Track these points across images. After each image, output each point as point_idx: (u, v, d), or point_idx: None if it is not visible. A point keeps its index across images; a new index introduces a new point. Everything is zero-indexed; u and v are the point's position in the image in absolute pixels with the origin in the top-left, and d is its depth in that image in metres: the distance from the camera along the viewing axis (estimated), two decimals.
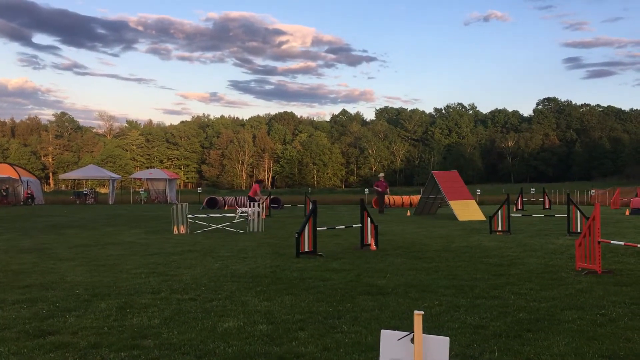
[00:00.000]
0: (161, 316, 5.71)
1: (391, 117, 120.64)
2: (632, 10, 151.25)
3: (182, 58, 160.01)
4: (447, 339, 2.02)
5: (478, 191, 40.12)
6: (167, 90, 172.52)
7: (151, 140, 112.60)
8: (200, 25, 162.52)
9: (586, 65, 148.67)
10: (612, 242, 9.04)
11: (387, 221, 20.02)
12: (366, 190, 42.53)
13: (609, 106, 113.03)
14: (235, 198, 34.90)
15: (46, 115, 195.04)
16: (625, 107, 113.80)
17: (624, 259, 9.62)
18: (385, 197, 28.85)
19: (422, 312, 1.97)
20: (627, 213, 25.10)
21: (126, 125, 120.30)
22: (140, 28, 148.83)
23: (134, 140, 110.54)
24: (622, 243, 9.17)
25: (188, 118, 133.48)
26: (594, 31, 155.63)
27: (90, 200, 41.43)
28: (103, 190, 66.90)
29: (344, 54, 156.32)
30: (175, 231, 15.41)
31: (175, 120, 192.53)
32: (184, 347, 4.66)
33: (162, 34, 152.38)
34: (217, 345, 4.69)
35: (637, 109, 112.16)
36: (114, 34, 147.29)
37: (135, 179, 50.89)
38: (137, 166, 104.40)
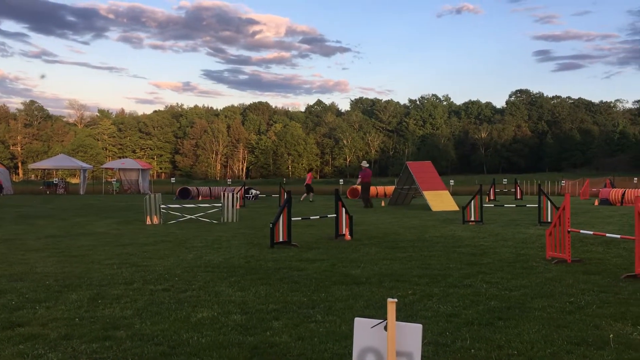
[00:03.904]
0: (134, 307, 5.65)
1: (366, 108, 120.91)
2: (600, 4, 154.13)
3: (155, 47, 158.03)
4: (419, 326, 2.03)
5: (451, 182, 40.47)
6: (140, 79, 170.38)
7: (123, 129, 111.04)
8: (172, 14, 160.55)
9: (556, 58, 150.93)
10: (581, 231, 9.21)
11: (362, 211, 20.11)
12: (341, 180, 42.58)
13: (579, 98, 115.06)
14: (210, 188, 34.64)
15: (14, 103, 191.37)
16: (595, 99, 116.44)
17: (593, 248, 9.83)
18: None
19: (395, 300, 1.97)
20: (596, 203, 25.64)
21: (97, 114, 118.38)
22: (111, 16, 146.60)
23: (106, 129, 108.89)
24: (591, 232, 9.36)
25: (161, 107, 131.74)
26: (563, 24, 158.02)
27: (60, 190, 40.73)
28: (74, 181, 65.79)
29: (318, 45, 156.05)
30: (148, 222, 15.25)
31: (148, 109, 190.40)
32: (157, 337, 4.62)
33: (133, 22, 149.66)
34: (190, 336, 4.66)
35: (606, 101, 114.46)
36: (84, 22, 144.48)
37: (107, 168, 50.19)
38: (109, 156, 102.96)
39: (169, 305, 5.71)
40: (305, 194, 29.96)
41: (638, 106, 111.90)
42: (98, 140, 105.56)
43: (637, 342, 4.42)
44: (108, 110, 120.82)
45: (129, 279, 7.10)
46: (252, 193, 30.80)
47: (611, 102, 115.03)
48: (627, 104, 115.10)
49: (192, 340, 4.55)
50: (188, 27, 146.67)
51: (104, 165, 52.36)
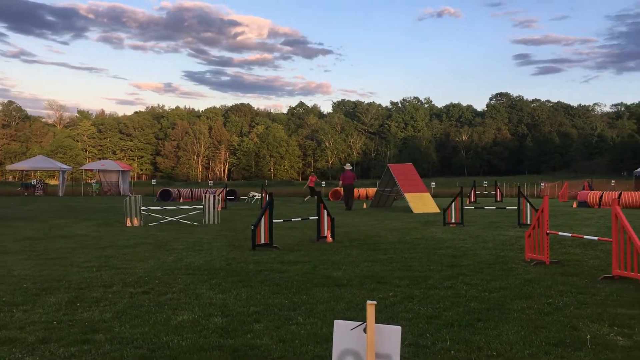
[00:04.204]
0: (113, 310, 5.59)
1: (348, 110, 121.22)
2: (578, 9, 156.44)
3: (135, 47, 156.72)
4: (399, 328, 2.04)
5: (433, 184, 40.80)
6: (120, 80, 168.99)
7: (103, 130, 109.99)
8: (153, 15, 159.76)
9: (536, 62, 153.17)
10: (559, 233, 9.33)
11: (344, 214, 20.14)
12: (323, 182, 42.62)
13: (558, 102, 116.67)
14: (191, 190, 34.44)
15: None
16: (574, 103, 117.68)
17: (571, 249, 9.96)
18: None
19: (375, 302, 1.98)
20: (575, 205, 25.98)
21: (77, 115, 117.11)
22: (91, 16, 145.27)
23: (86, 130, 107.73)
24: (569, 234, 9.48)
25: (142, 109, 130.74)
26: (542, 29, 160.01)
27: (39, 192, 40.19)
28: (53, 182, 64.96)
29: (300, 47, 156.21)
30: (128, 224, 15.11)
31: (128, 110, 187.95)
32: (137, 340, 4.58)
33: (114, 22, 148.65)
34: (170, 339, 4.63)
35: (584, 105, 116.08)
36: (63, 22, 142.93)
37: (86, 170, 49.63)
38: (88, 157, 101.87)
39: (148, 308, 5.66)
40: (309, 196, 31.00)
41: (615, 110, 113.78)
42: (77, 142, 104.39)
43: (613, 342, 4.49)
44: (88, 111, 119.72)
45: (109, 282, 7.03)
46: (250, 195, 30.20)
47: (589, 105, 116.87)
48: (604, 108, 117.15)
49: (172, 343, 4.52)
50: (169, 28, 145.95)
51: (84, 167, 51.76)
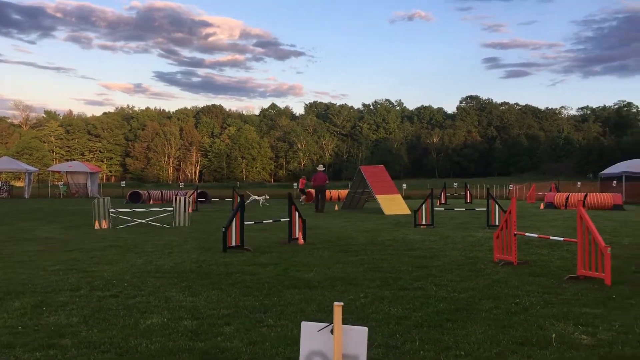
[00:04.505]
0: (80, 314, 5.50)
1: (320, 112, 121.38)
2: (545, 14, 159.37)
3: (104, 47, 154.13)
4: (365, 329, 2.06)
5: (404, 186, 41.14)
6: (89, 80, 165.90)
7: (71, 131, 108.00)
8: (123, 14, 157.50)
9: (504, 66, 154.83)
10: (526, 234, 9.50)
11: (315, 215, 20.16)
12: (295, 184, 42.56)
13: (527, 105, 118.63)
14: (161, 192, 34.06)
15: None
16: (541, 106, 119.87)
17: (538, 250, 10.15)
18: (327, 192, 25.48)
19: (342, 304, 1.99)
20: (542, 207, 26.48)
21: (44, 115, 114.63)
22: (59, 15, 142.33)
23: (53, 131, 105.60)
24: (536, 235, 9.66)
25: (111, 109, 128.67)
26: (511, 33, 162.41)
27: (4, 194, 39.25)
28: (18, 184, 63.42)
29: (272, 48, 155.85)
30: (97, 226, 14.87)
31: (97, 111, 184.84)
32: (104, 345, 4.51)
33: (82, 21, 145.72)
34: (139, 342, 4.57)
35: (551, 108, 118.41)
36: (30, 20, 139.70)
37: (53, 172, 48.66)
38: (56, 159, 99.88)
39: (117, 312, 5.59)
40: (303, 195, 31.17)
41: (582, 113, 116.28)
42: (44, 143, 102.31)
43: (578, 341, 4.59)
44: (55, 112, 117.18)
45: (76, 285, 6.91)
46: (251, 198, 29.14)
47: (556, 109, 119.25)
48: (571, 111, 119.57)
49: (140, 347, 4.47)
50: (139, 28, 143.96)
51: (51, 168, 50.72)
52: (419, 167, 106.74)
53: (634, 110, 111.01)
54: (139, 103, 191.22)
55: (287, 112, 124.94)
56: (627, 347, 4.40)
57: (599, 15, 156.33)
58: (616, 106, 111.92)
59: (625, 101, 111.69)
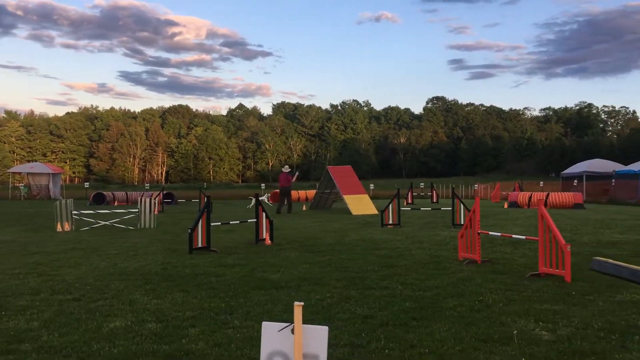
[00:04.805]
0: (41, 318, 5.38)
1: (288, 112, 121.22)
2: (509, 16, 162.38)
3: (67, 46, 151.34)
4: (325, 328, 2.07)
5: (372, 186, 41.43)
6: (51, 79, 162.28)
7: (33, 132, 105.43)
8: (86, 12, 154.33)
9: (469, 67, 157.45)
10: (490, 233, 9.67)
11: (283, 216, 20.13)
12: (262, 184, 42.43)
13: (491, 106, 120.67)
14: (126, 193, 33.55)
15: None
16: (505, 107, 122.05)
17: (501, 248, 10.34)
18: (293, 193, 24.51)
19: (302, 304, 2.00)
20: (506, 206, 26.98)
21: (4, 115, 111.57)
22: (19, 12, 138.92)
23: (13, 131, 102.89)
24: (499, 234, 9.84)
25: (74, 109, 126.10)
26: (475, 35, 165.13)
27: None
28: None
29: (239, 48, 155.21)
30: (59, 228, 14.56)
31: (60, 111, 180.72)
32: (66, 349, 4.43)
33: (44, 19, 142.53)
34: (102, 346, 4.50)
35: (515, 109, 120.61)
36: None
37: (14, 173, 47.44)
38: (16, 159, 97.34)
39: (79, 316, 5.49)
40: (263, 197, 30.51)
41: (544, 114, 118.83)
42: (5, 143, 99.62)
43: (538, 337, 4.70)
44: (16, 112, 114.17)
45: (36, 289, 6.76)
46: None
47: (520, 109, 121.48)
48: (534, 112, 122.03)
49: (103, 350, 4.40)
50: (103, 27, 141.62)
51: (11, 170, 49.43)
52: (386, 167, 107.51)
53: (594, 112, 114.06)
54: (103, 103, 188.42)
55: (254, 113, 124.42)
56: (585, 342, 4.52)
57: (560, 19, 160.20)
58: (577, 107, 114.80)
59: (585, 102, 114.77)
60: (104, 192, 33.31)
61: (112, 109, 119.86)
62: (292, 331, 1.98)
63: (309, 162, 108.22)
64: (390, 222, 15.46)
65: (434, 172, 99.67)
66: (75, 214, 15.10)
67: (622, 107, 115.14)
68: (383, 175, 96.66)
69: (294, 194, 32.87)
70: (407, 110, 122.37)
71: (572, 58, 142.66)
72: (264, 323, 2.11)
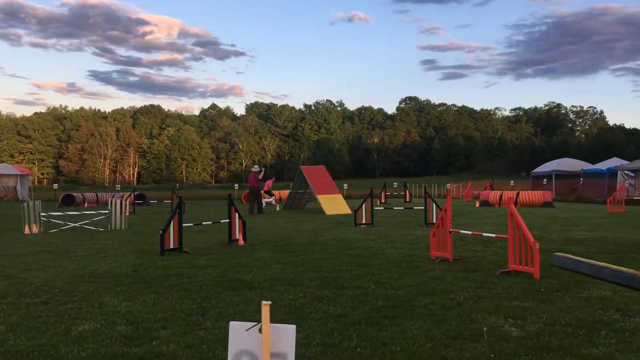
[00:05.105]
0: (7, 322, 5.27)
1: (261, 112, 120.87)
2: (480, 17, 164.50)
3: (35, 45, 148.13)
4: (293, 327, 2.07)
5: (345, 186, 41.56)
6: (18, 79, 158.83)
7: (0, 132, 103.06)
8: (54, 11, 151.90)
9: (441, 68, 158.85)
10: (461, 231, 9.77)
11: (256, 216, 20.06)
12: (236, 185, 42.21)
13: (463, 106, 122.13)
14: (97, 194, 33.04)
15: None
16: (477, 107, 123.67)
17: (473, 247, 10.47)
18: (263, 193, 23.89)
19: (269, 303, 2.00)
20: (477, 205, 27.31)
21: None
22: None
23: None
24: (470, 232, 9.95)
25: (43, 109, 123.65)
26: (447, 36, 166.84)
27: None
28: None
29: (211, 48, 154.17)
30: (27, 231, 14.27)
31: (27, 111, 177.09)
32: (33, 353, 4.34)
33: (10, 17, 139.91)
34: (70, 350, 4.42)
35: (486, 109, 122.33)
36: None
37: None
38: None
39: (47, 319, 5.38)
40: (270, 198, 29.87)
41: (515, 114, 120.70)
42: None
43: (507, 333, 4.77)
44: None
45: (3, 293, 6.61)
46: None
47: (491, 110, 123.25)
48: (505, 112, 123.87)
49: (71, 354, 4.32)
50: (72, 25, 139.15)
51: None
52: (360, 167, 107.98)
53: (563, 112, 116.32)
54: (73, 103, 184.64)
55: (228, 113, 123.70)
56: (553, 338, 4.60)
57: (530, 20, 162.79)
58: (546, 107, 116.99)
59: (554, 102, 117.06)
60: (74, 194, 32.75)
61: (81, 108, 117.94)
62: (260, 330, 1.98)
63: (282, 162, 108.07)
64: (364, 221, 15.53)
65: (407, 171, 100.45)
66: (43, 216, 14.81)
67: (590, 107, 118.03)
68: (357, 175, 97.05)
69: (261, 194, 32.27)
70: (380, 110, 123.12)
71: (541, 59, 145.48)
72: (231, 323, 2.10)
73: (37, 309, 5.79)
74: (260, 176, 22.50)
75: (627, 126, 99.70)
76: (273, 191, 33.91)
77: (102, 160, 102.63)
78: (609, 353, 4.23)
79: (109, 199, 16.57)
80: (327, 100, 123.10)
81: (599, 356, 4.17)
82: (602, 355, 4.18)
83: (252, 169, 23.05)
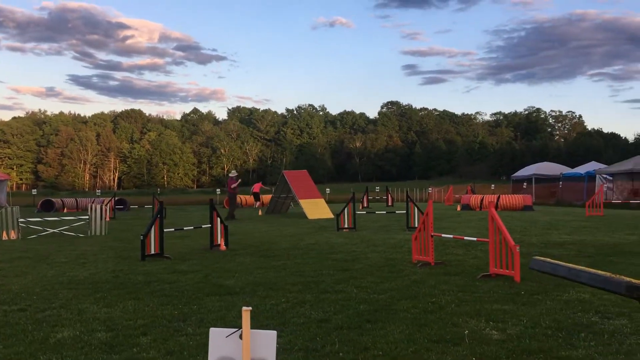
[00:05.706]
0: None
1: (244, 117, 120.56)
2: (460, 23, 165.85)
3: (13, 49, 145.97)
4: (274, 332, 2.07)
5: (328, 190, 41.52)
6: None
7: None
8: (33, 14, 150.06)
9: (422, 72, 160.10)
10: (442, 235, 9.84)
11: (239, 221, 19.97)
12: (218, 190, 42.03)
13: (444, 110, 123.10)
14: (76, 200, 32.66)
15: None
16: (458, 112, 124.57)
17: (454, 250, 10.52)
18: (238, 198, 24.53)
19: (250, 309, 1.99)
20: (459, 209, 27.50)
21: None
22: None
23: None
24: (452, 236, 10.02)
25: (21, 114, 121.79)
26: (428, 41, 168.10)
27: None
28: None
29: (193, 52, 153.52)
30: (5, 237, 14.05)
31: (6, 116, 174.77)
32: None
33: None
34: (49, 357, 4.36)
35: (467, 114, 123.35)
36: None
37: None
38: None
39: (25, 326, 5.30)
40: (258, 202, 30.63)
41: (495, 118, 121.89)
42: None
43: (489, 337, 4.80)
44: None
45: None
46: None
47: (472, 114, 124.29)
48: (485, 116, 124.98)
49: None
50: (51, 29, 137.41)
51: None
52: (342, 171, 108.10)
53: (542, 116, 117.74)
54: (52, 107, 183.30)
55: (209, 117, 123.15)
56: (533, 341, 4.64)
57: (509, 26, 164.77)
58: (526, 112, 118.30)
59: (534, 107, 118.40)
60: (53, 199, 32.34)
61: (61, 113, 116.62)
62: (241, 336, 1.97)
63: (265, 167, 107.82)
64: (346, 226, 15.54)
65: (389, 176, 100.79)
66: (22, 222, 14.60)
67: (568, 111, 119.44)
68: (339, 180, 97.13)
69: (250, 199, 32.43)
70: (362, 114, 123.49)
71: (520, 64, 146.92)
72: (211, 329, 2.09)
73: (15, 316, 5.70)
74: (235, 184, 21.94)
75: (605, 130, 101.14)
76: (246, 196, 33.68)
77: (82, 165, 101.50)
78: (589, 355, 4.28)
79: (89, 205, 16.38)
80: (309, 105, 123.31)
81: (578, 358, 4.22)
82: (581, 357, 4.23)
83: (230, 175, 22.79)
